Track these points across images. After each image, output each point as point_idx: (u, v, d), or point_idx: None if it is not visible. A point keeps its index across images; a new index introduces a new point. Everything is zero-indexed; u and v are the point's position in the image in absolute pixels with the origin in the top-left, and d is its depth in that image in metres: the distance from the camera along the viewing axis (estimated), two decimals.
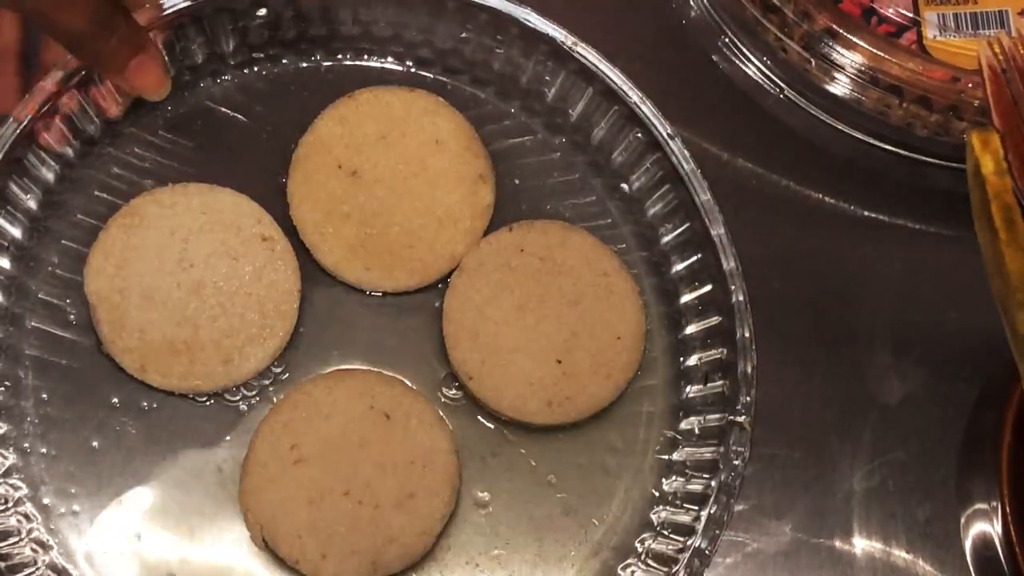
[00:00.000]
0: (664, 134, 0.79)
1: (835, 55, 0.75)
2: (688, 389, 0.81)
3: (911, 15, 0.76)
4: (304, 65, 0.86)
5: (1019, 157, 0.61)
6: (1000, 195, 0.59)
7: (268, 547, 0.79)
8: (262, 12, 0.84)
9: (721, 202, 0.77)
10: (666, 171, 0.79)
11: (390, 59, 0.86)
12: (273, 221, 0.83)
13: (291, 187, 0.84)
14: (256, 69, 0.86)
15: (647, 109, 0.79)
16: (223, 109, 0.86)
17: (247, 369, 0.81)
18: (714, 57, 0.87)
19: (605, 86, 0.81)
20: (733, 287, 0.77)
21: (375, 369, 0.83)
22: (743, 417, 0.75)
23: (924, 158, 0.80)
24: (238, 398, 0.82)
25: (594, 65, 0.81)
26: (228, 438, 0.80)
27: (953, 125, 0.75)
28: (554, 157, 0.84)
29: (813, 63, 0.77)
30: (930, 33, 0.75)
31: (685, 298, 0.83)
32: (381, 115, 0.85)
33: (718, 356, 0.80)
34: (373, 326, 0.83)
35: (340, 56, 0.86)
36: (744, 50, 0.85)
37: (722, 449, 0.76)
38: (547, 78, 0.84)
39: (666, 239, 0.83)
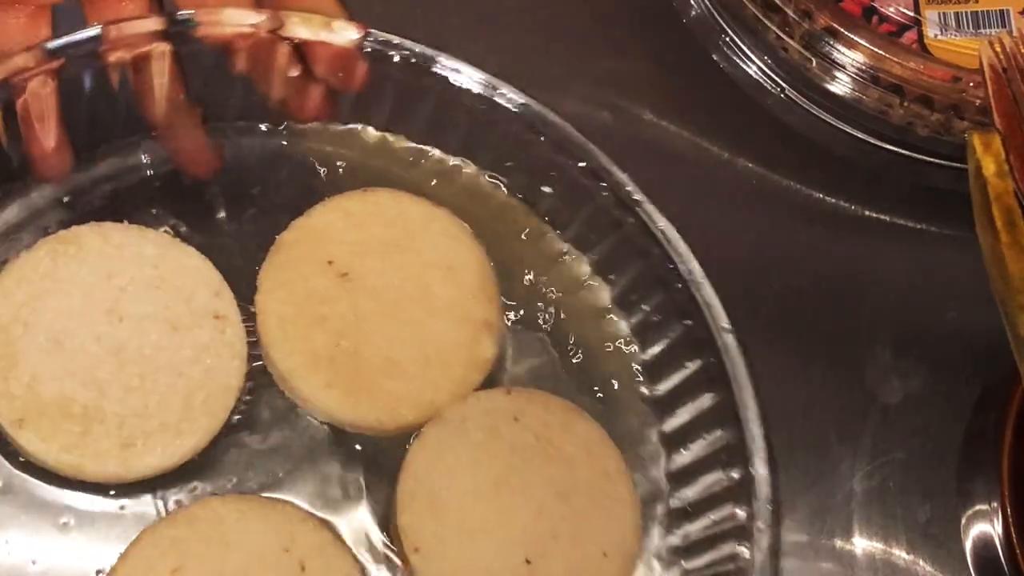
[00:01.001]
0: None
1: (836, 54, 0.77)
2: None
3: (912, 14, 0.78)
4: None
5: (1021, 158, 0.63)
6: (1001, 197, 0.61)
7: None
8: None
9: (720, 202, 0.79)
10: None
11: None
12: (234, 300, 0.72)
13: (266, 269, 0.73)
14: (281, 128, 0.79)
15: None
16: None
17: (148, 463, 0.68)
18: (714, 56, 0.87)
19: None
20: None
21: (304, 507, 0.71)
22: None
23: (925, 157, 0.81)
24: (121, 498, 0.69)
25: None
26: (95, 543, 0.68)
27: (954, 124, 0.77)
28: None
29: (814, 62, 0.78)
30: (931, 32, 0.77)
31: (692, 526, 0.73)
32: (395, 220, 0.75)
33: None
34: (316, 456, 0.72)
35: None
36: (744, 49, 0.86)
37: None
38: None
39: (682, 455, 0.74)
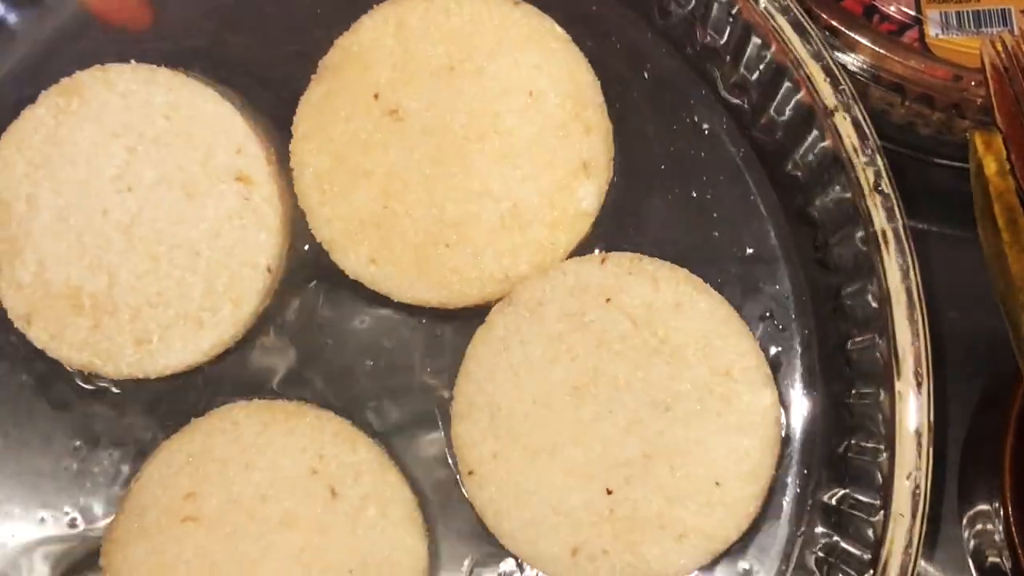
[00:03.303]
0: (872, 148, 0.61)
1: (837, 53, 0.75)
2: None
3: (913, 13, 0.76)
4: None
5: (1022, 158, 0.63)
6: (1003, 196, 0.61)
7: None
8: None
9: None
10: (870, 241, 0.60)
11: None
12: (261, 155, 0.59)
13: (302, 107, 0.59)
14: None
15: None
16: None
17: (166, 361, 0.59)
18: None
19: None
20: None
21: (337, 417, 0.59)
22: None
23: (926, 156, 0.80)
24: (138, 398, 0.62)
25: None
26: (109, 450, 0.61)
27: (955, 123, 0.77)
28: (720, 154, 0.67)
29: None
30: (932, 31, 0.75)
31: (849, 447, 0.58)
32: (458, 33, 0.58)
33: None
34: (360, 348, 0.61)
35: None
36: None
37: None
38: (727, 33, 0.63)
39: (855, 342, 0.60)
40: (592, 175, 0.58)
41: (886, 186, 0.62)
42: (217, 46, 0.64)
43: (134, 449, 0.62)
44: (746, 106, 0.66)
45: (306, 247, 0.62)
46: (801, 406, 0.62)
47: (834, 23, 0.73)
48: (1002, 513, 0.68)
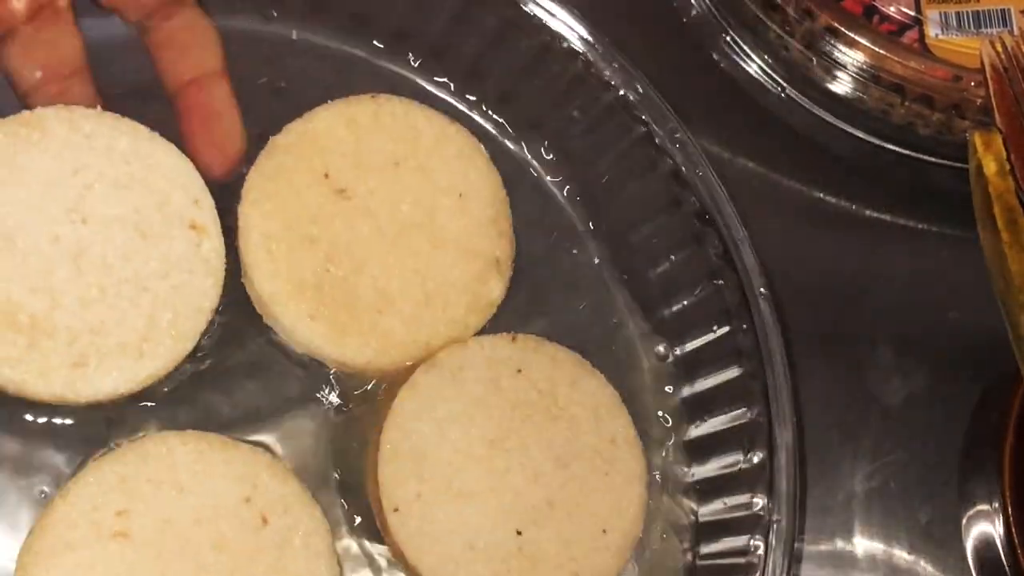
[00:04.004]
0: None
1: (837, 53, 0.77)
2: None
3: (913, 13, 0.78)
4: (342, 47, 0.72)
5: (1022, 158, 0.63)
6: (1002, 196, 0.62)
7: None
8: None
9: None
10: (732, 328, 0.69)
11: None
12: (214, 210, 0.64)
13: (252, 177, 0.65)
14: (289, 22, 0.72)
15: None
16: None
17: (101, 385, 0.60)
18: (715, 55, 0.85)
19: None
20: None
21: (273, 452, 0.65)
22: None
23: (926, 157, 0.81)
24: (70, 422, 0.63)
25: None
26: (38, 470, 0.63)
27: (955, 124, 0.78)
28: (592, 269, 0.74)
29: (815, 61, 0.78)
30: (932, 31, 0.77)
31: (707, 508, 0.69)
32: (403, 135, 0.67)
33: None
34: (291, 395, 0.66)
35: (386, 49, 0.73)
36: (745, 48, 0.85)
37: None
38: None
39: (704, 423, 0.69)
40: (501, 271, 0.67)
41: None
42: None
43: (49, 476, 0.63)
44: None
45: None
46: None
47: (834, 23, 0.75)
48: (1002, 513, 0.70)
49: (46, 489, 0.63)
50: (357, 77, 0.73)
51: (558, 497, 0.64)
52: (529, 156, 0.75)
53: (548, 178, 0.75)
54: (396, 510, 0.62)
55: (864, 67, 0.77)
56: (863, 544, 0.77)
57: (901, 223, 0.83)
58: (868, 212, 0.83)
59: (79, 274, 0.61)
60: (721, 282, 0.69)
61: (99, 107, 0.65)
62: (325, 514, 0.63)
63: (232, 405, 0.65)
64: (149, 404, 0.64)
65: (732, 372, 0.68)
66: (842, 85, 0.79)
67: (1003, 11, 0.78)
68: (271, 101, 0.72)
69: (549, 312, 0.72)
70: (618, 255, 0.74)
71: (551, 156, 0.75)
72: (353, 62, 0.74)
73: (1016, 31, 0.78)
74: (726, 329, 0.69)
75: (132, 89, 0.68)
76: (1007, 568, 0.71)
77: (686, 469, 0.70)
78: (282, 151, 0.66)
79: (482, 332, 0.68)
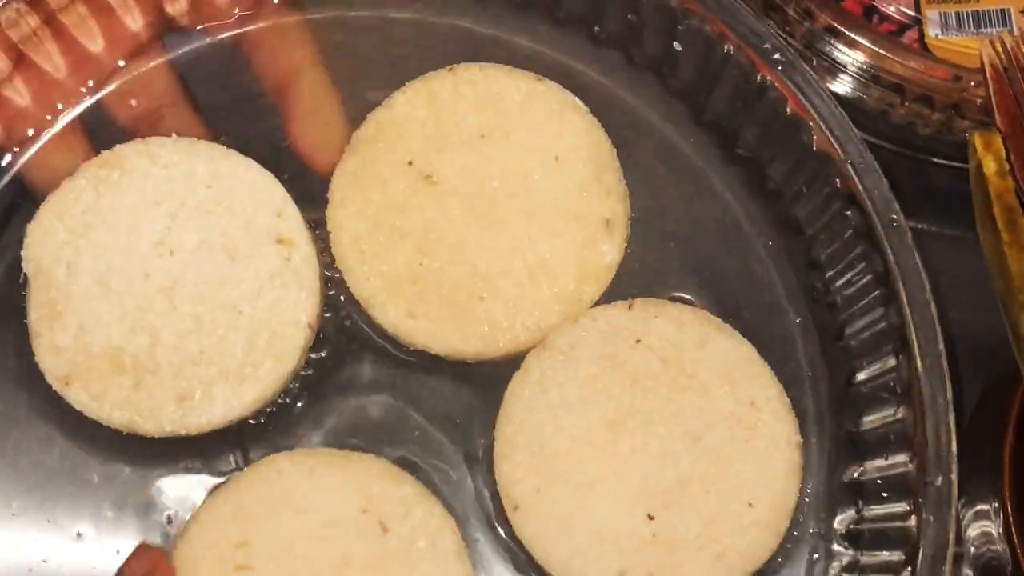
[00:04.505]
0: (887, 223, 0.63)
1: (836, 53, 0.76)
2: None
3: (913, 13, 0.77)
4: (406, 16, 0.69)
5: (1021, 158, 0.63)
6: (1002, 196, 0.62)
7: None
8: None
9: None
10: (878, 271, 0.63)
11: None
12: (300, 218, 0.62)
13: (338, 177, 0.63)
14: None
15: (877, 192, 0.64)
16: None
17: (210, 416, 0.60)
18: None
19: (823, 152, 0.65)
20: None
21: (380, 458, 0.61)
22: None
23: (926, 157, 0.80)
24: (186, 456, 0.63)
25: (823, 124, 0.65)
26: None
27: (955, 124, 0.77)
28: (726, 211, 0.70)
29: (814, 61, 0.77)
30: (932, 31, 0.76)
31: (870, 464, 0.62)
32: (487, 104, 0.63)
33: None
34: (401, 397, 0.64)
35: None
36: None
37: None
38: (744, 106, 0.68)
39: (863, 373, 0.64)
40: (613, 232, 0.62)
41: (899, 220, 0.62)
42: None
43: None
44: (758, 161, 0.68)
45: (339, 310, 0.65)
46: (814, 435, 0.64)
47: (834, 23, 0.75)
48: (1002, 513, 0.69)
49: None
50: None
51: (692, 474, 0.59)
52: (641, 100, 0.69)
53: (666, 125, 0.69)
54: (516, 508, 0.59)
55: (864, 67, 0.76)
56: None
57: None
58: None
59: (173, 307, 0.61)
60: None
61: (201, 130, 0.65)
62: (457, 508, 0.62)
63: (346, 417, 0.63)
64: (258, 427, 0.62)
65: (881, 324, 0.63)
66: (842, 85, 0.77)
67: (1003, 11, 0.78)
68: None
69: (677, 272, 0.67)
70: (760, 202, 0.69)
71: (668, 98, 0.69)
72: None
73: (1016, 31, 0.77)
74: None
75: (234, 101, 0.67)
76: (1007, 568, 0.69)
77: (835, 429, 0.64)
78: (364, 144, 0.63)
79: (602, 303, 0.63)
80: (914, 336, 0.61)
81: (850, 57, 0.75)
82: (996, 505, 0.70)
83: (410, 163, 0.63)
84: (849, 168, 0.63)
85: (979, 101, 0.74)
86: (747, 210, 0.69)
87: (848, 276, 0.65)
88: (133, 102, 0.67)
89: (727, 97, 0.68)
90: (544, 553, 0.59)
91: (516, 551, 0.62)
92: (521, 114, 0.63)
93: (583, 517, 0.59)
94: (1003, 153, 0.63)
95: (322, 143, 0.65)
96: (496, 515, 0.62)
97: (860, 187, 0.64)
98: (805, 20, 0.75)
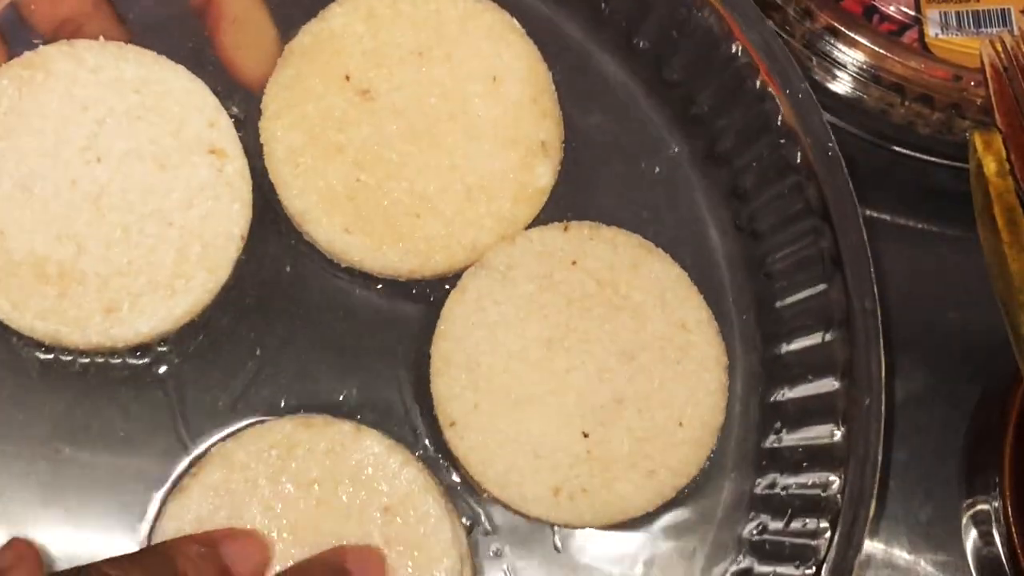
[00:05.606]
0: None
1: (836, 53, 0.76)
2: (757, 522, 0.64)
3: (913, 13, 0.78)
4: None
5: (1022, 158, 0.63)
6: (1002, 196, 0.62)
7: None
8: None
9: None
10: (810, 200, 0.64)
11: None
12: (232, 128, 0.61)
13: (271, 88, 0.62)
14: None
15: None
16: None
17: (137, 329, 0.59)
18: None
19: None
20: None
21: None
22: None
23: (926, 157, 0.80)
24: (115, 363, 0.62)
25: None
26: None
27: (955, 123, 0.77)
28: (656, 137, 0.69)
29: (814, 61, 0.77)
30: (932, 31, 0.77)
31: (788, 393, 0.64)
32: (426, 22, 0.63)
33: (814, 492, 0.61)
34: (335, 316, 0.63)
35: None
36: None
37: None
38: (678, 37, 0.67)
39: (787, 299, 0.65)
40: (548, 155, 0.63)
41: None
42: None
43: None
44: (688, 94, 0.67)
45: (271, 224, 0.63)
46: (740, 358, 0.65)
47: (834, 23, 0.75)
48: (1002, 513, 0.70)
49: None
50: None
51: (626, 393, 0.61)
52: (574, 24, 0.69)
53: (598, 50, 0.69)
54: (453, 424, 0.60)
55: (864, 67, 0.76)
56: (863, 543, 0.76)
57: (901, 223, 0.82)
58: (868, 212, 0.80)
59: (101, 216, 0.59)
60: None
61: (125, 41, 0.62)
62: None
63: (274, 332, 0.62)
64: (187, 338, 0.62)
65: (810, 251, 0.64)
66: (842, 85, 0.77)
67: (1003, 11, 0.78)
68: None
69: (609, 196, 0.67)
70: (688, 130, 0.69)
71: (600, 23, 0.69)
72: None
73: (1016, 31, 0.77)
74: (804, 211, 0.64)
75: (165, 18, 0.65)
76: (1007, 568, 0.71)
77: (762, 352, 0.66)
78: (298, 56, 0.62)
79: (535, 224, 0.63)
80: (846, 261, 0.61)
81: (850, 57, 0.76)
82: (996, 505, 0.71)
83: (347, 78, 0.62)
84: (787, 99, 0.64)
85: (979, 101, 0.75)
86: (676, 137, 0.68)
87: (778, 204, 0.65)
88: (50, 7, 0.65)
89: (662, 24, 0.67)
90: (480, 468, 0.60)
91: (451, 467, 0.63)
92: (459, 33, 0.63)
93: (519, 433, 0.60)
94: (1003, 153, 0.63)
95: (252, 54, 0.64)
96: (429, 431, 0.62)
97: (794, 119, 0.64)
98: (805, 20, 0.76)
